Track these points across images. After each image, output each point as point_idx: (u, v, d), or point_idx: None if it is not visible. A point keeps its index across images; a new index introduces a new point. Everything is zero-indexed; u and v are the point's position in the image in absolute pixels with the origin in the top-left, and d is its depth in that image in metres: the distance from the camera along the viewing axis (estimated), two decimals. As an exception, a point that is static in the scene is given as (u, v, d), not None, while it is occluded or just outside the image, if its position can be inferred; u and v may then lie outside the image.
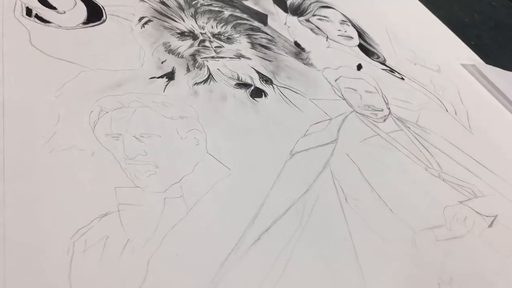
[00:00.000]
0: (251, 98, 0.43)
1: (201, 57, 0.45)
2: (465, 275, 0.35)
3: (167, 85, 0.41)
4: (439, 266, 0.35)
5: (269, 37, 0.52)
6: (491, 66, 0.63)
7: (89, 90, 0.37)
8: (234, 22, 0.51)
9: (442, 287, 0.33)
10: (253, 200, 0.34)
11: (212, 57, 0.46)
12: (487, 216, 0.40)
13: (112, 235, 0.28)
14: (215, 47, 0.47)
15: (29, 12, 0.41)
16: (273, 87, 0.45)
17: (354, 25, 0.61)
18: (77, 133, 0.33)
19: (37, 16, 0.41)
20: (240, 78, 0.45)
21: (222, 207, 0.32)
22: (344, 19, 0.61)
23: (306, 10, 0.60)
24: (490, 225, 0.40)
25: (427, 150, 0.45)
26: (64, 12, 0.43)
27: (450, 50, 0.66)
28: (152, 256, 0.28)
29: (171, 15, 0.48)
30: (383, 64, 0.56)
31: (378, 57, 0.57)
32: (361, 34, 0.60)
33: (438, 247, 0.36)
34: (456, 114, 0.52)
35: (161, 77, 0.41)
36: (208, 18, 0.50)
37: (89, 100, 0.36)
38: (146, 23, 0.46)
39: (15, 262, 0.25)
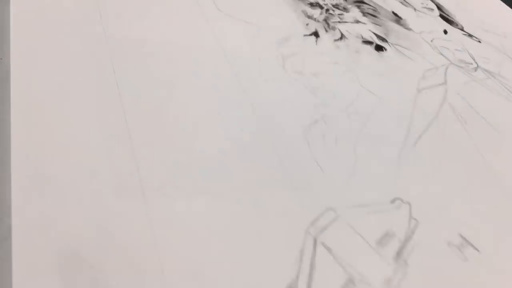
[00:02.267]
0: (376, 51, 0.55)
1: (331, 21, 0.57)
2: None
3: (316, 40, 0.52)
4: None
5: (372, 7, 0.64)
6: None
7: (270, 41, 0.49)
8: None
9: None
10: (401, 121, 0.45)
11: (339, 22, 0.58)
12: None
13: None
14: (338, 14, 0.59)
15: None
16: (388, 44, 0.57)
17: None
18: (274, 71, 0.45)
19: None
20: (363, 38, 0.56)
21: (384, 123, 0.44)
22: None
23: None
24: None
25: (510, 92, 0.57)
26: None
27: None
28: (356, 147, 0.40)
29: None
30: (462, 30, 0.68)
31: (457, 25, 0.69)
32: (439, 7, 0.72)
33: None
34: (527, 68, 0.64)
35: (311, 35, 0.53)
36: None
37: (272, 48, 0.48)
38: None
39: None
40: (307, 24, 0.54)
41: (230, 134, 0.37)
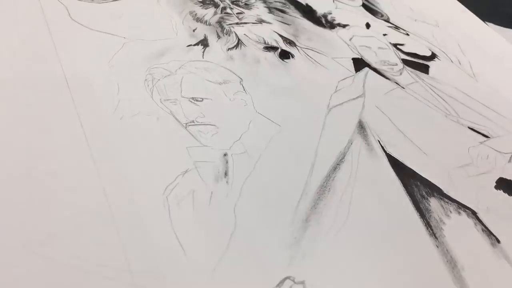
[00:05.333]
0: (280, 60, 0.45)
1: (227, 23, 0.47)
2: (498, 204, 0.38)
3: (204, 51, 0.42)
4: (475, 198, 0.38)
5: (281, 1, 0.54)
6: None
7: (136, 60, 0.38)
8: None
9: (481, 215, 0.37)
10: (307, 152, 0.36)
11: (237, 23, 0.47)
12: (505, 153, 0.44)
13: (197, 189, 0.30)
14: (236, 13, 0.49)
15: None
16: (297, 48, 0.47)
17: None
18: (139, 100, 0.35)
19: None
20: (266, 42, 0.46)
21: (282, 158, 0.35)
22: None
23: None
24: (510, 161, 0.44)
25: (443, 99, 0.49)
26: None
27: (444, 4, 0.69)
28: (236, 205, 0.30)
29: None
30: (388, 21, 0.59)
31: (382, 16, 0.60)
32: (362, -6, 0.62)
33: (471, 182, 0.40)
34: (460, 64, 0.56)
35: (197, 44, 0.43)
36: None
37: (140, 70, 0.37)
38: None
39: (123, 219, 0.27)
40: (194, 30, 0.44)
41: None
